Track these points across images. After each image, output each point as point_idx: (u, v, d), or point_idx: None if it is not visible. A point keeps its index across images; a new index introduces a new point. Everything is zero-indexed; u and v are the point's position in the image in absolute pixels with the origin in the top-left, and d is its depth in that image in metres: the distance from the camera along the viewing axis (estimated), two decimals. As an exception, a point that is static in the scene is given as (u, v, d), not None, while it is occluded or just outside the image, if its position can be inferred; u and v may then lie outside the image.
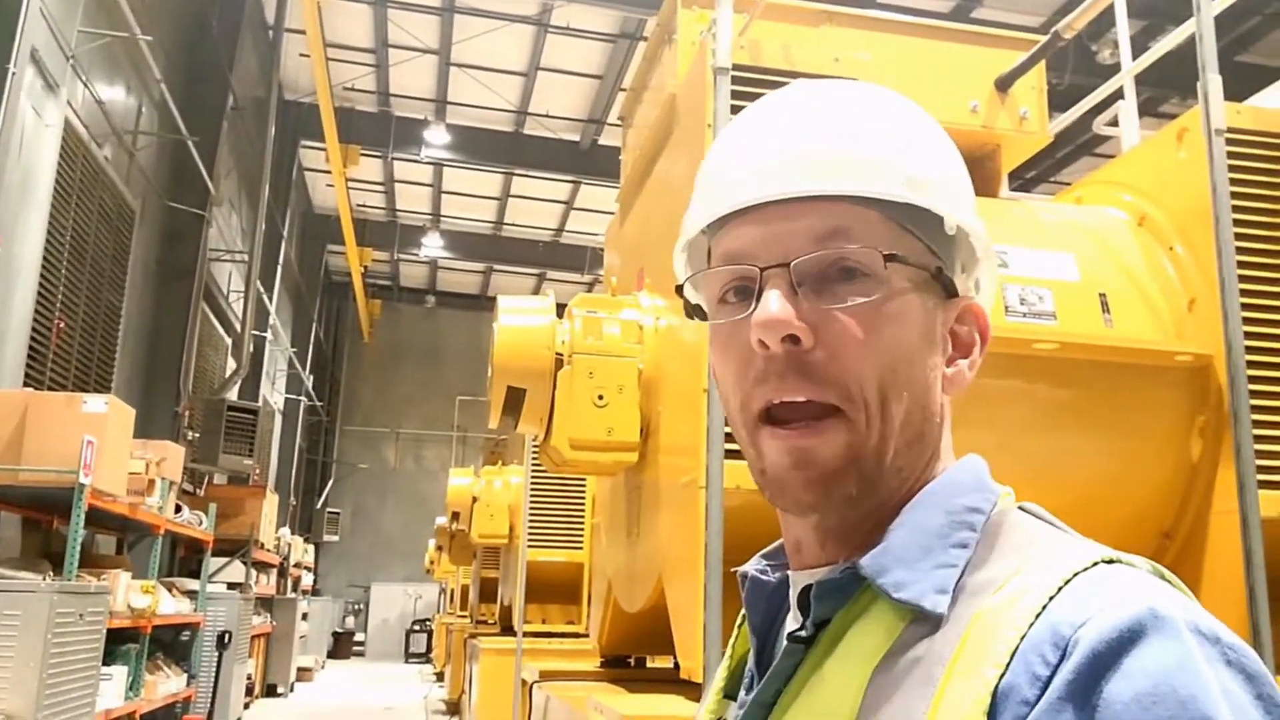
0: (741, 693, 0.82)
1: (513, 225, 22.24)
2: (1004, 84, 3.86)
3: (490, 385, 3.76)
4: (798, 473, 0.74)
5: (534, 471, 7.85)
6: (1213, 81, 2.95)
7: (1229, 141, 3.53)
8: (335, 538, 25.10)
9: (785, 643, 0.75)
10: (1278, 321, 3.39)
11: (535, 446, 7.98)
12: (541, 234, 22.63)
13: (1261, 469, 3.29)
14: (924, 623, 0.67)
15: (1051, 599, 0.62)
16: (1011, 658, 0.60)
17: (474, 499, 8.65)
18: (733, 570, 0.93)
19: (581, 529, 8.08)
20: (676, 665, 4.44)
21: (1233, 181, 3.49)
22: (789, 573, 0.82)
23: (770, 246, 0.75)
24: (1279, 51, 12.70)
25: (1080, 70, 11.42)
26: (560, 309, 3.84)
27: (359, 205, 20.31)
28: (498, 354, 3.61)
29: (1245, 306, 3.42)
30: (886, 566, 0.70)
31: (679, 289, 0.88)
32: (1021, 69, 3.82)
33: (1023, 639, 0.60)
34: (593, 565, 4.72)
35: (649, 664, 4.51)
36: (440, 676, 16.68)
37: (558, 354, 3.64)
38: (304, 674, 16.28)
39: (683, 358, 3.45)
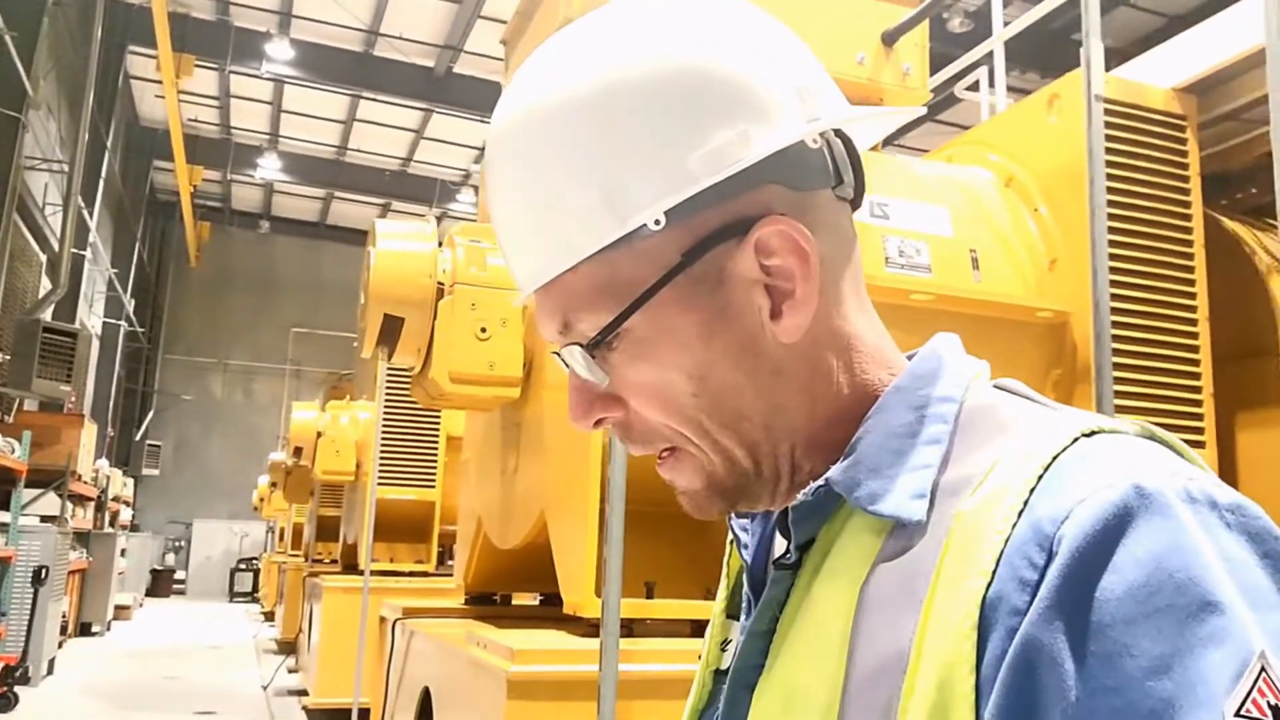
0: (743, 618, 0.79)
1: (357, 151, 21.36)
2: (890, 39, 3.93)
3: (364, 312, 3.60)
4: (682, 496, 0.74)
5: (386, 407, 7.65)
6: (1095, 48, 3.08)
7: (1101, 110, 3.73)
8: (155, 471, 23.84)
9: (772, 571, 0.72)
10: (1133, 283, 3.61)
11: (397, 378, 7.77)
12: (388, 162, 21.84)
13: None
14: (904, 533, 0.63)
15: (1032, 492, 0.58)
16: (997, 564, 0.56)
17: (319, 434, 8.35)
18: None
19: (433, 467, 7.93)
20: (544, 601, 4.45)
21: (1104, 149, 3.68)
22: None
23: (547, 330, 0.73)
24: (1116, 33, 13.49)
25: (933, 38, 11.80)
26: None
27: (190, 120, 19.02)
28: (375, 279, 3.46)
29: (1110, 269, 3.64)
30: (859, 479, 0.66)
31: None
32: (908, 24, 3.89)
33: (1006, 542, 0.56)
34: (460, 503, 4.63)
35: (514, 601, 4.49)
36: (270, 616, 16.20)
37: (439, 283, 3.51)
38: (121, 612, 15.49)
39: (570, 293, 3.40)
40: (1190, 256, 3.76)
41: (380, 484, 7.54)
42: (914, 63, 3.97)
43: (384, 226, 3.60)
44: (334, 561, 11.91)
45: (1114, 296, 3.63)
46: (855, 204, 0.76)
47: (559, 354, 0.72)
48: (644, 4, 0.71)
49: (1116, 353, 3.59)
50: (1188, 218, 3.79)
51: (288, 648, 11.83)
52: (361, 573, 7.78)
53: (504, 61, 4.56)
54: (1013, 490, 0.58)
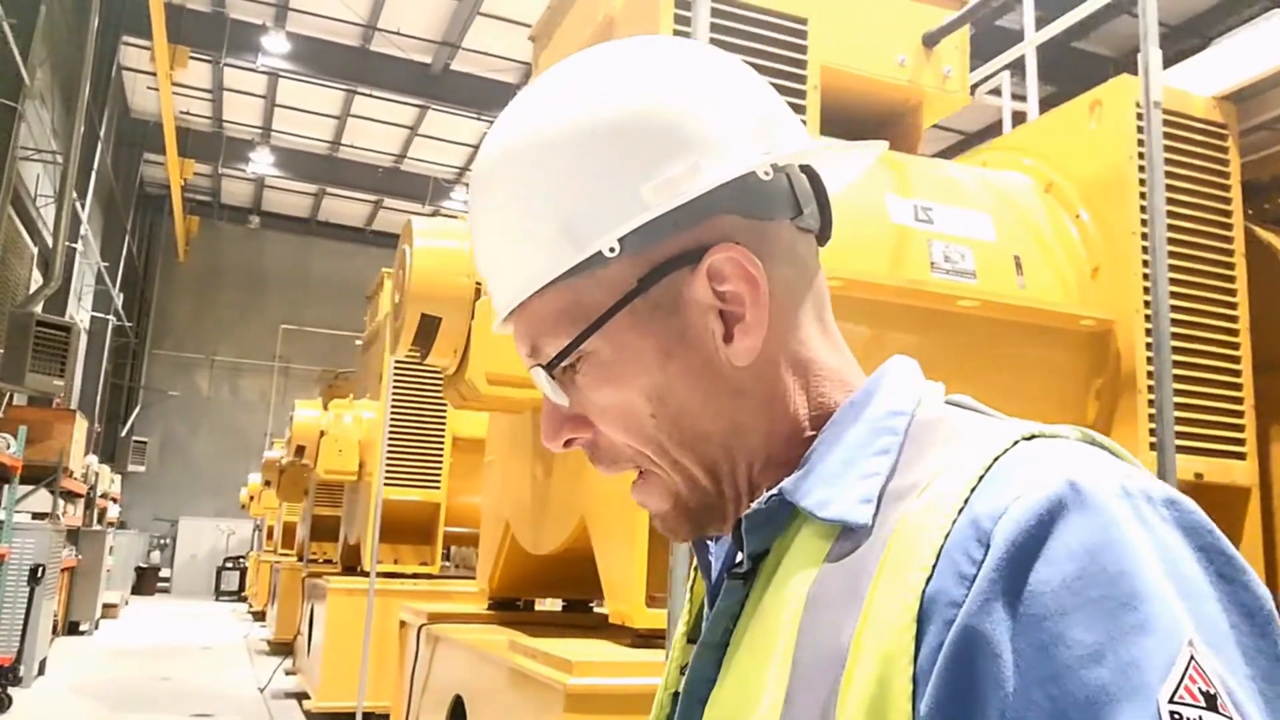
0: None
1: (351, 147, 21.19)
2: (931, 40, 3.88)
3: (399, 311, 3.52)
4: (655, 521, 0.78)
5: (393, 408, 7.57)
6: (1153, 55, 3.03)
7: (1139, 117, 3.69)
8: (141, 468, 23.59)
9: (726, 580, 0.73)
10: (1176, 293, 3.57)
11: (403, 378, 7.66)
12: (382, 159, 21.68)
13: (1155, 433, 3.50)
14: (851, 537, 0.64)
15: (973, 491, 0.59)
16: (936, 560, 0.57)
17: (321, 433, 8.24)
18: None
19: (439, 468, 7.85)
20: (567, 607, 4.38)
21: (1140, 156, 3.65)
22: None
23: (521, 350, 0.77)
24: (1115, 43, 13.53)
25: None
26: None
27: (182, 112, 18.81)
28: (415, 278, 3.38)
29: (1146, 276, 3.60)
30: (809, 487, 0.68)
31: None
32: (951, 27, 3.85)
33: (946, 538, 0.58)
34: (483, 506, 4.55)
35: (536, 606, 4.42)
36: (260, 616, 16.04)
37: (476, 282, 3.44)
38: (109, 610, 15.29)
39: (611, 295, 3.33)
40: (1231, 266, 3.73)
41: (385, 484, 7.45)
42: (954, 65, 3.93)
43: (421, 225, 3.53)
44: (331, 562, 11.82)
45: (1151, 305, 3.60)
46: (823, 236, 0.79)
47: (531, 369, 0.76)
48: (612, 52, 0.76)
49: (1154, 361, 3.55)
50: (1229, 226, 3.76)
51: (282, 649, 11.71)
52: (364, 574, 7.70)
53: (534, 54, 4.49)
54: (954, 491, 0.60)
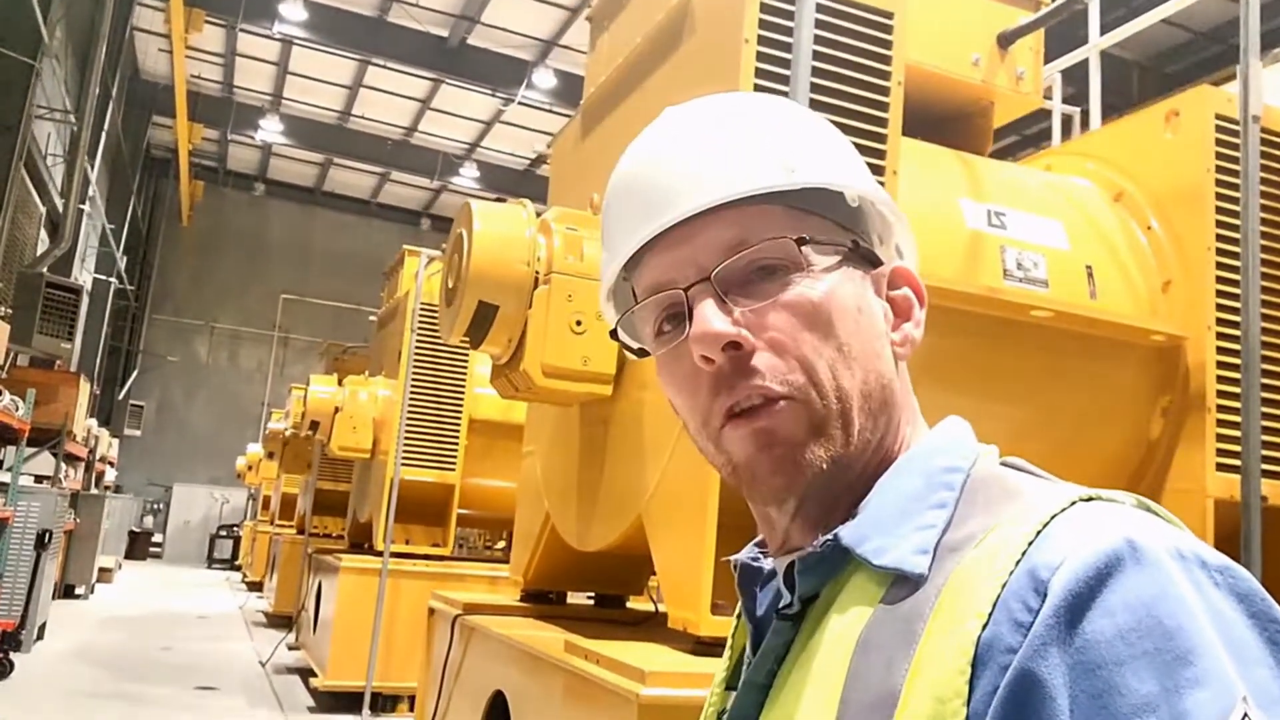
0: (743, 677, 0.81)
1: (361, 118, 21.01)
2: (1006, 41, 3.78)
3: (454, 296, 3.42)
4: (764, 455, 0.74)
5: (412, 387, 7.48)
6: (1254, 67, 2.94)
7: (1219, 129, 3.60)
8: (137, 432, 23.46)
9: (774, 622, 0.75)
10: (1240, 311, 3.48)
11: (422, 358, 7.56)
12: (391, 131, 21.49)
13: (1224, 453, 3.42)
14: (906, 584, 0.66)
15: (1030, 545, 0.61)
16: (993, 608, 0.59)
17: (336, 409, 8.13)
18: (724, 560, 0.95)
19: (454, 450, 7.76)
20: (600, 602, 4.30)
21: (1220, 169, 3.56)
22: (774, 557, 0.82)
23: (685, 267, 0.76)
24: (1137, 47, 13.41)
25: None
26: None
27: (192, 76, 18.59)
28: (475, 264, 3.28)
29: (1220, 293, 3.52)
30: (866, 534, 0.70)
31: (613, 334, 0.89)
32: (1027, 28, 3.75)
33: (1003, 587, 0.60)
34: (520, 497, 4.47)
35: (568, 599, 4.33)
36: (256, 586, 15.97)
37: (536, 272, 3.34)
38: (104, 575, 15.21)
39: (675, 289, 3.23)
40: (1302, 284, 3.64)
41: (400, 464, 7.37)
42: (1027, 66, 3.83)
43: (481, 207, 3.42)
44: (333, 536, 11.74)
45: (1226, 322, 3.52)
46: None
47: (717, 271, 0.75)
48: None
49: (1226, 380, 3.47)
50: (1301, 244, 3.67)
51: (281, 621, 11.64)
52: (375, 553, 7.62)
53: (590, 34, 4.38)
54: (1011, 544, 0.62)
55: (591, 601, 4.39)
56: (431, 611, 4.43)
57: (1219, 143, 3.57)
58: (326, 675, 7.17)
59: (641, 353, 0.87)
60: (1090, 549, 0.58)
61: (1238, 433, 3.40)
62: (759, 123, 0.80)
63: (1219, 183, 3.54)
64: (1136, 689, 0.54)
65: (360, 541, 8.70)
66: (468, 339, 3.45)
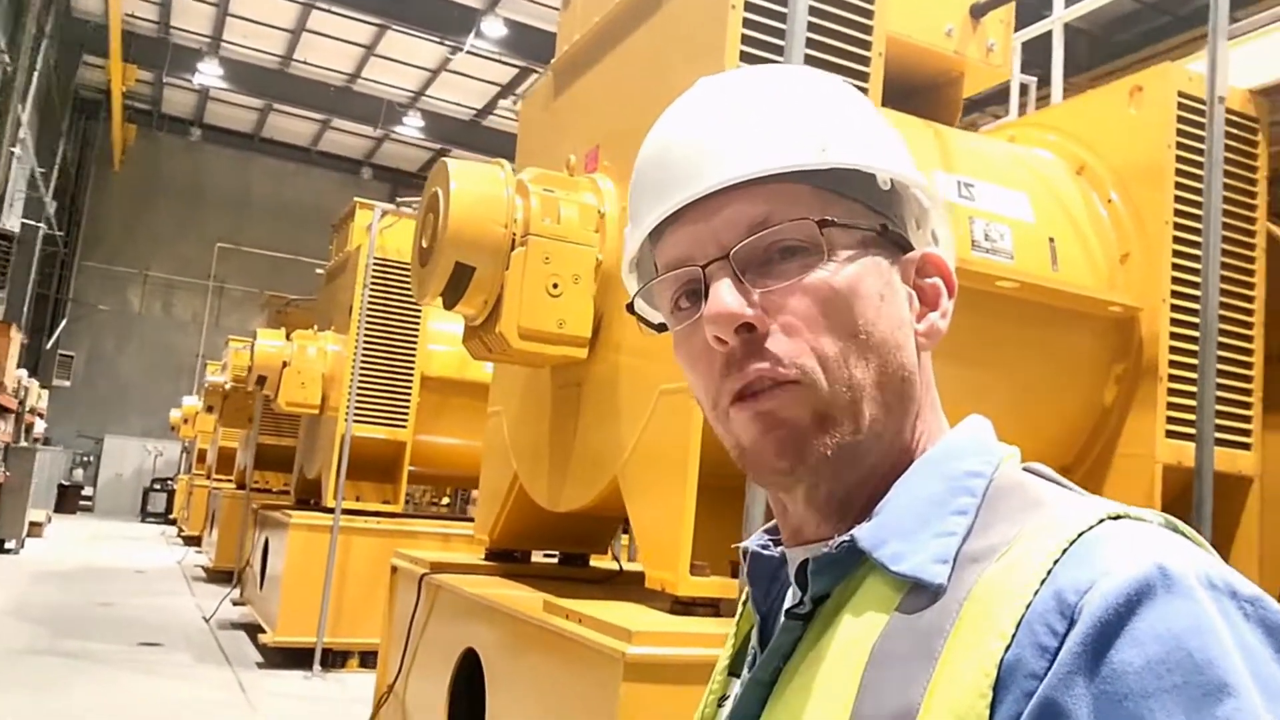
0: (745, 671, 0.81)
1: (303, 63, 20.44)
2: (979, 12, 3.83)
3: (430, 257, 3.39)
4: (768, 436, 0.73)
5: (364, 343, 7.40)
6: (1221, 48, 3.02)
7: (1180, 107, 3.70)
8: (66, 383, 22.81)
9: (783, 620, 0.74)
10: (1198, 283, 3.61)
11: (375, 313, 7.47)
12: (334, 77, 20.97)
13: (1174, 420, 3.56)
14: (923, 594, 0.65)
15: (1056, 563, 0.60)
16: (1017, 628, 0.58)
17: (284, 364, 8.01)
18: (734, 546, 0.98)
19: (406, 407, 7.71)
20: (562, 560, 4.35)
21: (1180, 145, 3.66)
22: (787, 549, 0.80)
23: (706, 243, 0.75)
24: (1088, 16, 13.59)
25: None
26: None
27: (127, 15, 17.89)
28: (452, 224, 3.25)
29: (1176, 266, 3.64)
30: (884, 538, 0.69)
31: (629, 306, 0.88)
32: (999, 0, 3.79)
33: (1028, 608, 0.58)
34: (485, 456, 4.47)
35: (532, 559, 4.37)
36: (194, 541, 15.74)
37: (513, 234, 3.32)
38: (34, 529, 14.87)
39: (652, 253, 3.25)
40: (1252, 260, 3.78)
41: (350, 420, 7.31)
42: (998, 39, 3.89)
43: (457, 167, 3.39)
44: (280, 492, 11.62)
45: (1180, 295, 3.64)
46: None
47: (736, 251, 0.74)
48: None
49: (1178, 351, 3.60)
50: (1253, 220, 3.80)
51: (222, 577, 11.53)
52: (324, 509, 7.58)
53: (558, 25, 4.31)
54: (1036, 560, 0.60)
55: (555, 560, 4.44)
56: (394, 569, 4.43)
57: (1180, 120, 3.67)
58: (276, 631, 7.14)
59: (661, 327, 0.86)
60: (1121, 574, 0.57)
61: (1188, 401, 3.53)
62: (793, 98, 0.77)
63: (1179, 159, 3.65)
64: None
65: (308, 498, 8.63)
66: (448, 299, 3.44)
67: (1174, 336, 3.60)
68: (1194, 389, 3.48)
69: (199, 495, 15.73)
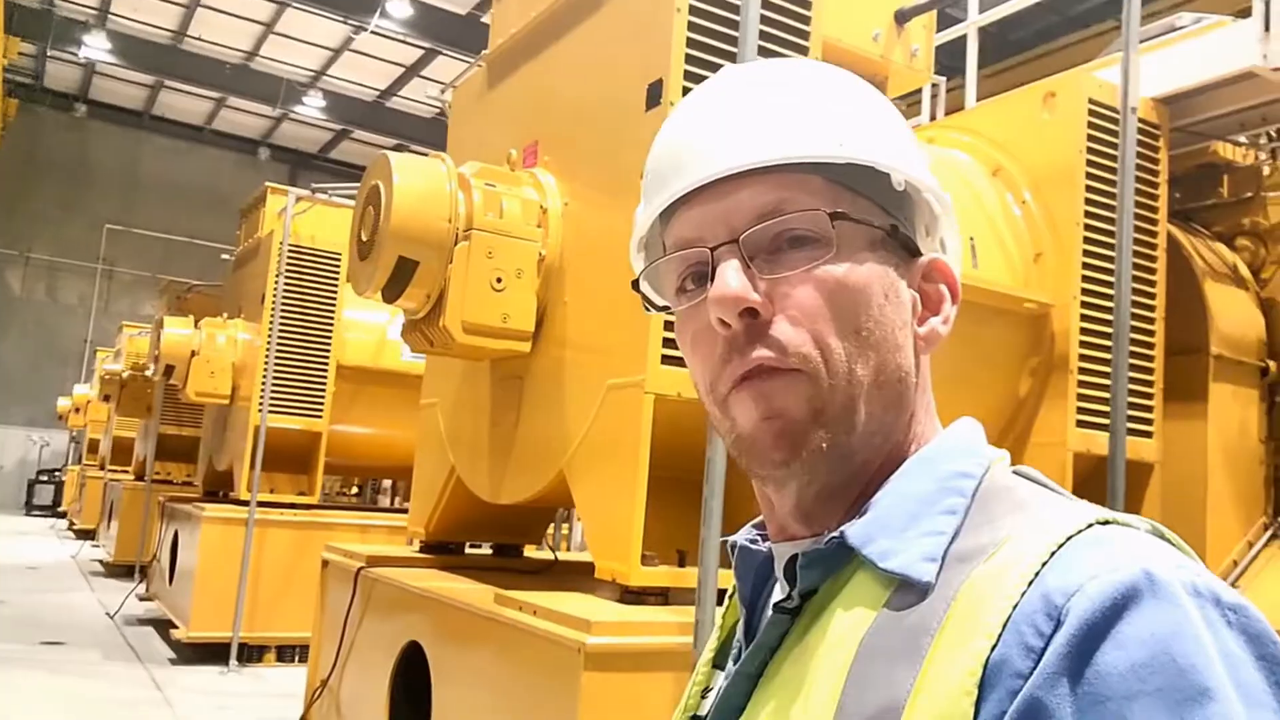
0: (729, 664, 0.82)
1: (197, 39, 19.70)
2: (903, 18, 3.97)
3: (372, 251, 3.38)
4: (766, 425, 0.74)
5: (278, 331, 7.26)
6: (1133, 62, 3.21)
7: (1091, 113, 3.91)
8: (-59, 370, 21.67)
9: (770, 613, 0.75)
10: (1107, 280, 3.83)
11: (289, 302, 7.30)
12: (230, 55, 20.27)
13: (1083, 411, 3.78)
14: (911, 592, 0.66)
15: (1044, 565, 0.61)
16: (1003, 628, 0.59)
17: (193, 353, 7.79)
18: (722, 540, 0.95)
19: (322, 397, 7.59)
20: (499, 551, 4.38)
21: (1090, 150, 3.88)
22: (774, 544, 0.81)
23: (715, 226, 0.75)
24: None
25: None
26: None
27: (6, -17, 16.97)
28: (395, 218, 3.24)
29: (1086, 265, 3.86)
30: (872, 535, 0.70)
31: (635, 284, 0.88)
32: (923, 7, 3.95)
33: (1015, 608, 0.59)
34: (419, 449, 4.45)
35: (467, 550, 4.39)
36: (88, 535, 15.16)
37: (457, 229, 3.33)
38: (-88, 525, 14.11)
39: (594, 251, 3.30)
40: (1154, 259, 4.03)
41: (263, 410, 7.17)
42: (921, 45, 4.04)
43: (399, 160, 3.37)
44: (183, 483, 11.29)
45: (1090, 293, 3.86)
46: None
47: (746, 235, 0.75)
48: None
49: (1088, 345, 3.83)
50: (1155, 221, 4.05)
51: (122, 571, 11.16)
52: (236, 502, 7.42)
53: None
54: (1024, 562, 0.62)
55: (490, 552, 4.46)
56: (325, 563, 4.40)
57: (1091, 125, 3.88)
58: (190, 626, 6.98)
59: (663, 309, 0.86)
60: (1107, 578, 0.58)
61: (1097, 393, 3.76)
62: (814, 91, 0.78)
63: (1089, 163, 3.86)
64: None
65: (217, 490, 8.43)
66: (390, 293, 3.42)
67: (1084, 332, 3.82)
68: (1102, 381, 3.71)
69: (92, 487, 15.15)
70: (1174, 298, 4.12)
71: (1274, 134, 4.53)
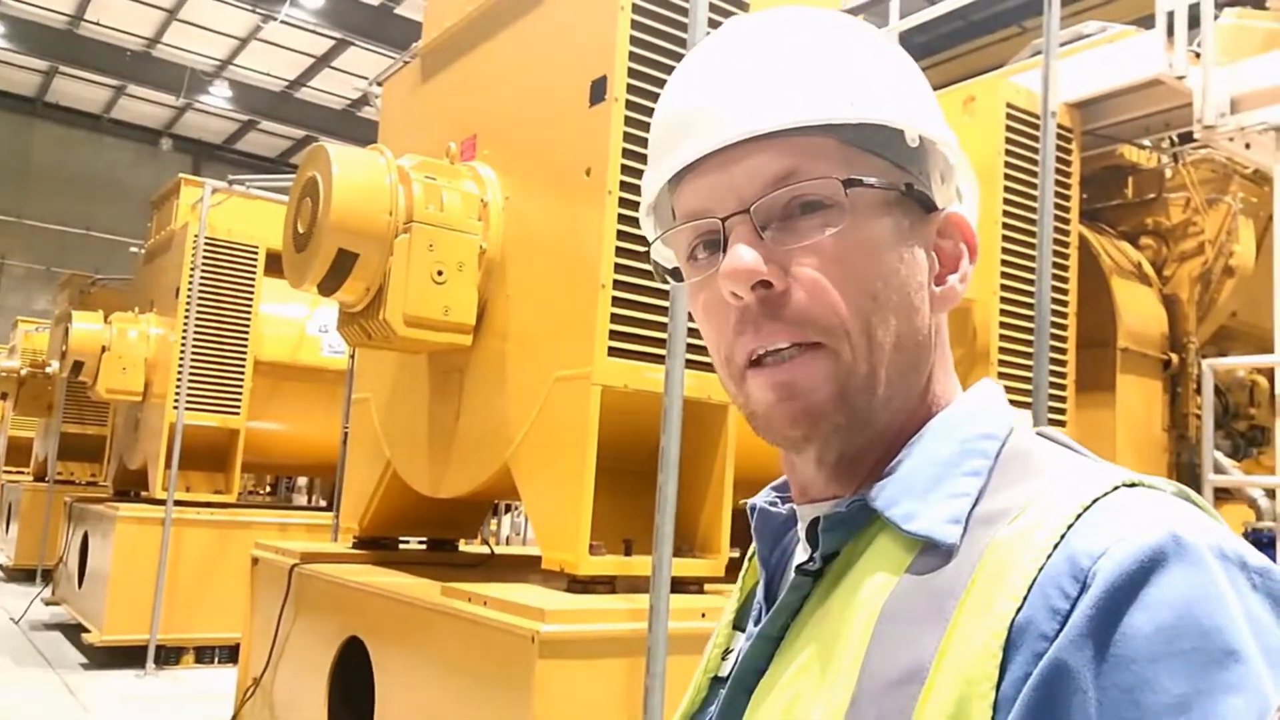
0: (750, 625, 0.81)
1: (95, 24, 18.95)
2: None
3: (309, 243, 3.35)
4: (783, 406, 0.73)
5: (195, 328, 7.10)
6: (1053, 69, 3.37)
7: (1008, 116, 4.08)
8: None
9: (792, 575, 0.75)
10: (1025, 277, 4.01)
11: (206, 296, 7.14)
12: (131, 41, 19.56)
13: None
14: (935, 554, 0.66)
15: (1070, 528, 0.60)
16: (1029, 591, 0.59)
17: (103, 349, 7.53)
18: (742, 502, 0.93)
19: (239, 393, 7.43)
20: (433, 546, 4.37)
21: (1008, 152, 4.05)
22: (796, 506, 0.81)
23: (726, 195, 0.74)
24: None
25: None
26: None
27: (-113, -40, 16.12)
28: (335, 210, 3.22)
29: (1004, 263, 4.03)
30: (896, 498, 0.70)
31: (647, 253, 0.87)
32: (854, 11, 4.06)
33: (1040, 571, 0.59)
34: (351, 445, 4.41)
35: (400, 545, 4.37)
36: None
37: (397, 222, 3.32)
38: None
39: (538, 244, 3.33)
40: (1067, 257, 4.23)
41: (178, 407, 6.99)
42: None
43: (338, 152, 3.35)
44: (88, 484, 10.91)
45: (1008, 288, 4.04)
46: None
47: (757, 205, 0.73)
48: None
49: (1007, 338, 4.00)
50: (1068, 220, 4.25)
51: (23, 575, 10.74)
52: (149, 501, 7.22)
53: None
54: (1050, 524, 0.61)
55: (424, 547, 4.45)
56: (256, 561, 4.33)
57: (1009, 129, 4.06)
58: (103, 630, 6.76)
59: (675, 275, 0.84)
60: (1134, 541, 0.57)
61: (1016, 384, 3.93)
62: (822, 47, 0.75)
63: (1008, 165, 4.03)
64: (1169, 688, 0.54)
65: (128, 489, 8.17)
66: (328, 286, 3.40)
67: (1003, 325, 3.99)
68: (1022, 373, 3.88)
69: (-10, 489, 14.49)
70: (1084, 293, 4.33)
71: (1176, 138, 4.79)
